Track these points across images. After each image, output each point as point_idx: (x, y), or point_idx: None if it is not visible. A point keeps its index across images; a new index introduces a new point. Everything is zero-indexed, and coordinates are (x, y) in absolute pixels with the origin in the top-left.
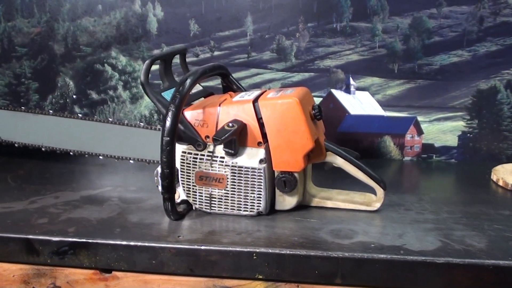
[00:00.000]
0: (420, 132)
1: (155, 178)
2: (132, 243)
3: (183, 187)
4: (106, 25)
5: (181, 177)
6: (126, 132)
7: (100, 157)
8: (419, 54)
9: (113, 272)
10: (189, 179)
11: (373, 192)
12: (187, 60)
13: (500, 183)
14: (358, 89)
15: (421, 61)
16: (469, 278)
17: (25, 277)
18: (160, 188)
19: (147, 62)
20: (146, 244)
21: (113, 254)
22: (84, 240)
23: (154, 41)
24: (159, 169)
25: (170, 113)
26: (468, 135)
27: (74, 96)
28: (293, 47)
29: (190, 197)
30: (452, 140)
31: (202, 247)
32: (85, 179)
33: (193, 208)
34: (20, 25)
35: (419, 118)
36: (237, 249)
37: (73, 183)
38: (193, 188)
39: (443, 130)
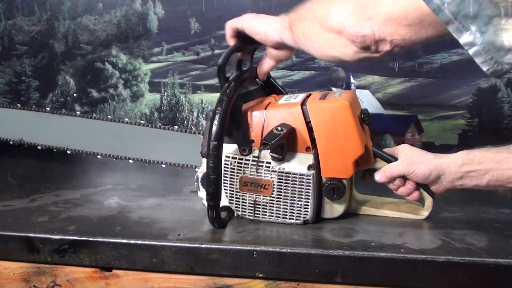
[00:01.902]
0: (420, 130)
1: (195, 183)
2: (132, 242)
3: (226, 193)
4: (106, 23)
5: (224, 183)
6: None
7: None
8: (419, 52)
9: (114, 271)
10: (233, 184)
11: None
12: (188, 58)
13: None
14: (358, 87)
15: (421, 60)
16: (470, 277)
17: (26, 276)
18: (200, 194)
19: (229, 49)
20: (147, 242)
21: (113, 253)
22: (84, 238)
23: (154, 39)
24: (199, 174)
25: (217, 116)
26: (469, 133)
27: (75, 95)
28: None
29: (232, 203)
30: (452, 139)
31: (203, 246)
32: (85, 178)
33: (235, 215)
34: (20, 23)
35: (420, 117)
36: (238, 247)
37: (73, 182)
38: (236, 194)
39: (443, 128)
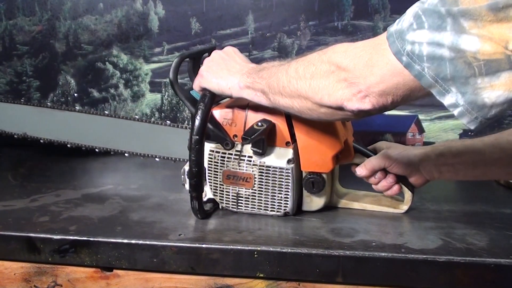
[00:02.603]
0: (421, 130)
1: (182, 176)
2: (133, 241)
3: (210, 186)
4: (107, 23)
5: (209, 176)
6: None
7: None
8: None
9: (114, 271)
10: (216, 178)
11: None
12: None
13: (501, 181)
14: None
15: None
16: (470, 277)
17: (26, 276)
18: (187, 186)
19: (176, 60)
20: (148, 242)
21: (114, 252)
22: (85, 238)
23: (155, 39)
24: (186, 167)
25: (200, 112)
26: (469, 133)
27: (75, 95)
28: (294, 45)
29: (217, 196)
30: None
31: (203, 246)
32: (86, 177)
33: (220, 207)
34: (21, 23)
35: (420, 117)
36: (238, 247)
37: (74, 181)
38: (220, 187)
39: (444, 128)
